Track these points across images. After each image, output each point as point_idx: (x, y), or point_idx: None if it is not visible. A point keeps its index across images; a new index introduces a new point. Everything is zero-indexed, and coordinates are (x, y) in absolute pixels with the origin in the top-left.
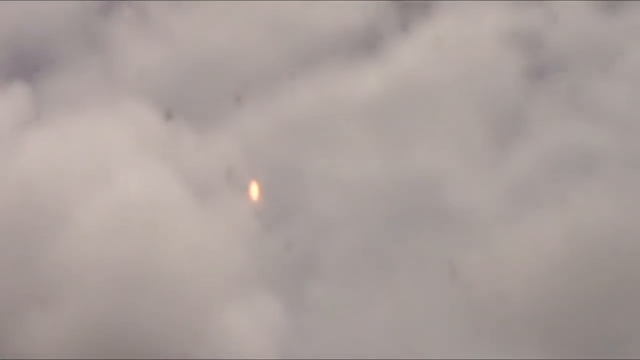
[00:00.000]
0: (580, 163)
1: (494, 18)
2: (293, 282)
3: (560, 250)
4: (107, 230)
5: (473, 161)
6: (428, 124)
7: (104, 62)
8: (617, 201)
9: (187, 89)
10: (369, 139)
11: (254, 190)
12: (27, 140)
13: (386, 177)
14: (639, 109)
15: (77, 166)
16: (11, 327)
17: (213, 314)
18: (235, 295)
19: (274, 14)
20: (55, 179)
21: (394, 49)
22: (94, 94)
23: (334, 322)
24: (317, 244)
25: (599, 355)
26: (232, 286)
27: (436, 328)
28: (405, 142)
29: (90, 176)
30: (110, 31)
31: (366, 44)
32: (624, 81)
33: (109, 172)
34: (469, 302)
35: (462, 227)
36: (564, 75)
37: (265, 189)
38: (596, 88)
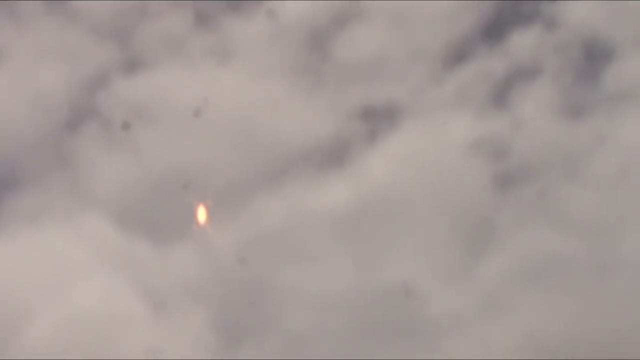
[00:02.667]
0: (548, 270)
1: (460, 127)
2: None
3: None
4: (63, 342)
5: (443, 270)
6: (398, 234)
7: (68, 177)
8: (582, 307)
9: (151, 203)
10: (339, 250)
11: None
12: None
13: (358, 288)
14: (606, 213)
15: (34, 278)
16: None
17: None
18: None
19: (242, 127)
20: (12, 291)
21: (362, 161)
22: (56, 208)
23: None
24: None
25: None
26: None
27: None
28: (376, 253)
29: (46, 289)
30: (76, 146)
31: (334, 155)
32: (591, 186)
33: (66, 285)
34: None
35: (434, 335)
36: (532, 181)
37: (231, 303)
38: (564, 194)
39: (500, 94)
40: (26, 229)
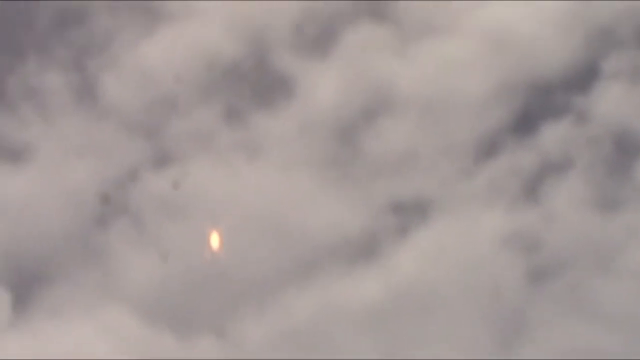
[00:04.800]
0: None
1: (492, 221)
2: None
3: None
4: None
5: None
6: (430, 328)
7: (96, 272)
8: None
9: (178, 297)
10: (369, 345)
11: None
12: (4, 344)
13: None
14: None
15: None
16: None
17: None
18: None
19: (271, 221)
20: None
21: (392, 255)
22: (82, 302)
23: None
24: None
25: None
26: None
27: None
28: (407, 347)
29: None
30: (105, 241)
31: (364, 249)
32: (624, 280)
33: None
34: None
35: None
36: (564, 275)
37: None
38: (597, 288)
39: (532, 188)
40: (52, 322)
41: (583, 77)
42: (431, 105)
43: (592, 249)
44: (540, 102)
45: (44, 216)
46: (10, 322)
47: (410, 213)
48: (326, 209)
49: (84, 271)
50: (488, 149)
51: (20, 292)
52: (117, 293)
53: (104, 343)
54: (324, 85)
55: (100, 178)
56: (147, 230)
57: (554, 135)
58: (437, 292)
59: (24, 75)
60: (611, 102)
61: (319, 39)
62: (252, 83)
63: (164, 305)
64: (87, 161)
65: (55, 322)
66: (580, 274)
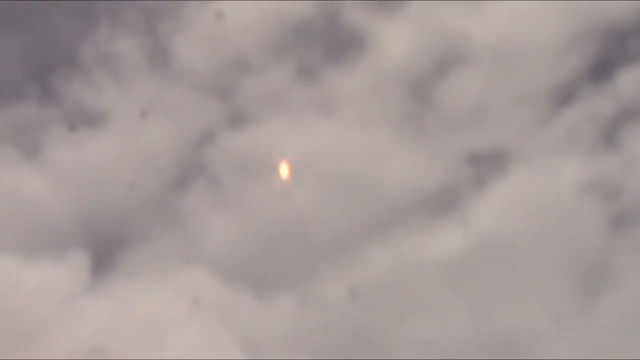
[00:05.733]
0: None
1: (570, 169)
2: None
3: None
4: None
5: (559, 315)
6: (511, 279)
7: (175, 233)
8: None
9: (257, 256)
10: (451, 298)
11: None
12: (82, 307)
13: (471, 337)
14: None
15: (136, 329)
16: None
17: None
18: None
19: (348, 177)
20: (111, 345)
21: (471, 206)
22: (161, 263)
23: None
24: None
25: None
26: None
27: None
28: (489, 299)
29: (147, 340)
30: (184, 203)
31: (443, 202)
32: None
33: (166, 336)
34: None
35: None
36: None
37: (339, 353)
38: None
39: (610, 134)
40: (130, 284)
41: None
42: (505, 55)
43: None
44: (616, 47)
45: (121, 180)
46: (90, 285)
47: (487, 164)
48: (402, 163)
49: (163, 234)
50: (564, 96)
51: (99, 255)
52: (195, 254)
53: (183, 305)
54: (396, 40)
55: (176, 140)
56: (224, 191)
57: (631, 81)
58: (518, 243)
59: (97, 41)
60: None
61: None
62: (324, 40)
63: (242, 265)
64: (162, 124)
65: (134, 285)
66: None
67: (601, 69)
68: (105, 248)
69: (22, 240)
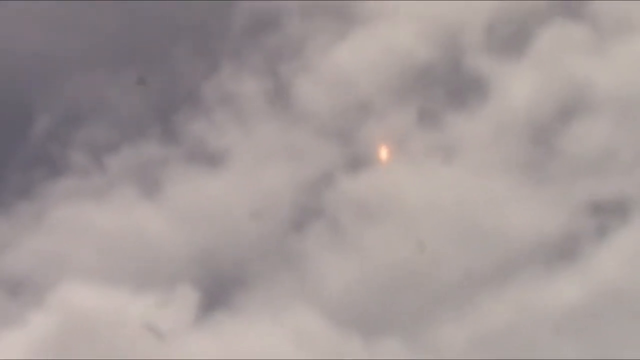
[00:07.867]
0: None
1: None
2: None
3: None
4: None
5: None
6: (631, 332)
7: (287, 273)
8: None
9: (369, 299)
10: (570, 348)
11: None
12: (187, 342)
13: None
14: None
15: None
16: None
17: None
18: None
19: (467, 223)
20: None
21: (592, 256)
22: (269, 303)
23: None
24: None
25: None
26: None
27: None
28: (609, 350)
29: None
30: (302, 245)
31: (563, 251)
32: None
33: None
34: None
35: None
36: None
37: None
38: None
39: None
40: (238, 322)
41: None
42: (630, 103)
43: None
44: None
45: (239, 219)
46: (196, 322)
47: (610, 213)
48: (523, 210)
49: (276, 274)
50: None
51: (209, 292)
52: (308, 295)
53: (289, 345)
54: (518, 86)
55: (295, 182)
56: (342, 234)
57: None
58: (639, 295)
59: (220, 81)
60: None
61: (513, 39)
62: (445, 85)
63: (354, 307)
64: (282, 165)
65: (242, 323)
66: None
67: None
68: (217, 285)
69: (134, 274)
